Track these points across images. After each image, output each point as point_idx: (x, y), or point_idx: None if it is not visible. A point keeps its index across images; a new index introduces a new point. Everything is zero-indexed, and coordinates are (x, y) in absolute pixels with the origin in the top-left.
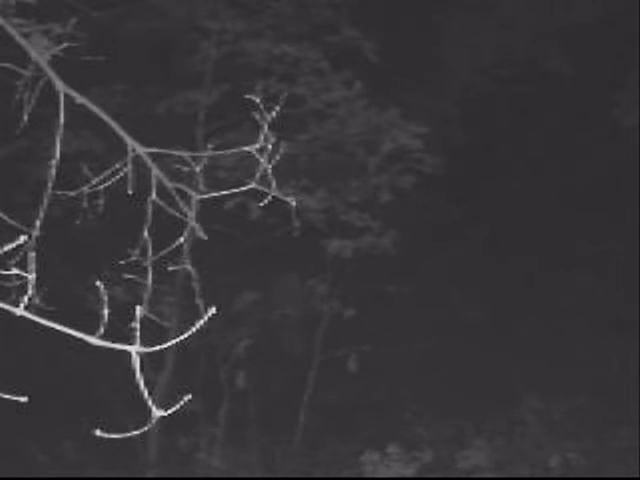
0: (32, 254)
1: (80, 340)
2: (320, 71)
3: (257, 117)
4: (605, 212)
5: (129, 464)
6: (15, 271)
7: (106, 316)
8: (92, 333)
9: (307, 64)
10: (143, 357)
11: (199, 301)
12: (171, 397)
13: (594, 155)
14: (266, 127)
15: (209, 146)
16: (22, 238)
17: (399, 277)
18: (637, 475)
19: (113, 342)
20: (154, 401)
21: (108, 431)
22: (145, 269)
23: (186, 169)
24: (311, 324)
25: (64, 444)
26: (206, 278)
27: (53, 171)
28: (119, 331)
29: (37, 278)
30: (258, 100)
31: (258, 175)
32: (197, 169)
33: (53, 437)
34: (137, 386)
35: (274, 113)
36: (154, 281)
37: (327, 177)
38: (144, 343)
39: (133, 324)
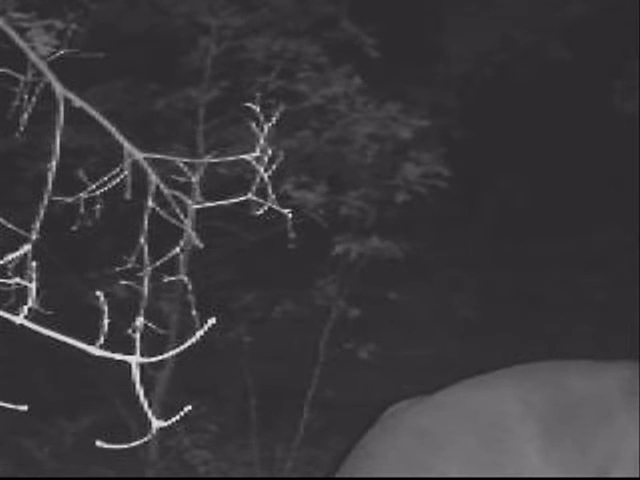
0: (33, 263)
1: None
2: (320, 66)
3: (257, 117)
4: (605, 202)
5: (129, 463)
6: (15, 279)
7: (106, 326)
8: (92, 332)
9: (306, 59)
10: (143, 353)
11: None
12: (171, 395)
13: (593, 142)
14: (265, 130)
15: (207, 156)
16: (24, 248)
17: (401, 277)
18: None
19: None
20: (154, 400)
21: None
22: (143, 272)
23: (185, 174)
24: (315, 323)
25: (64, 441)
26: (206, 276)
27: (52, 171)
28: (119, 330)
29: (36, 279)
30: (258, 97)
31: (257, 179)
32: (194, 179)
33: (52, 434)
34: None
35: (273, 116)
36: (153, 278)
37: (328, 173)
38: (144, 342)
39: (133, 334)
